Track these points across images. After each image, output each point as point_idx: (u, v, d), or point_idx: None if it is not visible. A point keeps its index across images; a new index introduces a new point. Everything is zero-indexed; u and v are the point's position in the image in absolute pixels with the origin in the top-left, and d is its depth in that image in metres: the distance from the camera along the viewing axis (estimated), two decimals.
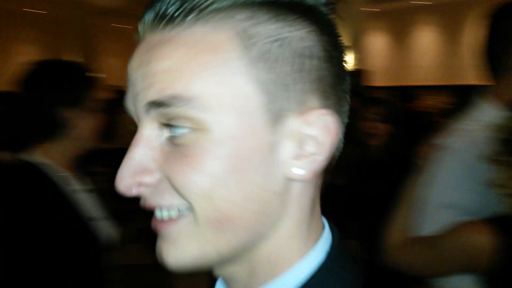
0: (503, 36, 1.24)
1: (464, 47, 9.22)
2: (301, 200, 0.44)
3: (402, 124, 2.64)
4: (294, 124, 0.42)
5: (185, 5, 0.41)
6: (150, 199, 0.43)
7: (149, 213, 0.45)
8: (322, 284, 0.43)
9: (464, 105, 1.38)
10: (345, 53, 0.47)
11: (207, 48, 0.40)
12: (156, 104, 0.40)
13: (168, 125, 0.41)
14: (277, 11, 0.41)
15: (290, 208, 0.44)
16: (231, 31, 0.40)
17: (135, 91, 0.43)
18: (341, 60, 0.46)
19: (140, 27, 0.45)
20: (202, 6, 0.40)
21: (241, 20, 0.40)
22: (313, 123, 0.42)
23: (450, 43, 10.34)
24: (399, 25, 11.18)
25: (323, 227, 0.49)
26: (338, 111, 0.45)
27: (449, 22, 10.25)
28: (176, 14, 0.41)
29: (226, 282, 0.48)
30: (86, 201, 1.39)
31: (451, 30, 10.29)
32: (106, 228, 1.43)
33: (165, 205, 0.43)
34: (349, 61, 8.56)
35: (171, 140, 0.41)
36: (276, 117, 0.41)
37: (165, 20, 0.41)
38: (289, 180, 0.42)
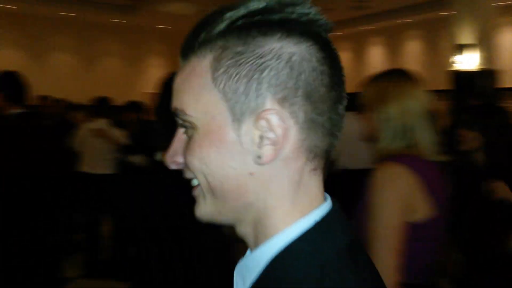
0: None
1: None
2: (278, 179, 0.55)
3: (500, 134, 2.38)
4: (252, 122, 0.53)
5: (188, 43, 0.57)
6: (184, 172, 0.61)
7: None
8: (300, 248, 0.53)
9: None
10: (323, 63, 0.55)
11: (194, 74, 0.55)
12: (174, 112, 0.59)
13: (182, 125, 0.59)
14: (246, 35, 0.53)
15: (269, 185, 0.55)
16: (210, 58, 0.54)
17: None
18: (312, 70, 0.54)
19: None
20: (196, 43, 0.56)
21: (217, 49, 0.54)
22: (264, 121, 0.53)
23: None
24: None
25: (321, 204, 0.58)
26: (304, 110, 0.54)
27: None
28: (184, 52, 0.59)
29: (245, 240, 0.61)
30: None
31: None
32: None
33: (189, 177, 0.60)
34: (475, 60, 7.86)
35: (186, 134, 0.59)
36: (239, 117, 0.53)
37: (181, 55, 0.59)
38: (260, 164, 0.54)
